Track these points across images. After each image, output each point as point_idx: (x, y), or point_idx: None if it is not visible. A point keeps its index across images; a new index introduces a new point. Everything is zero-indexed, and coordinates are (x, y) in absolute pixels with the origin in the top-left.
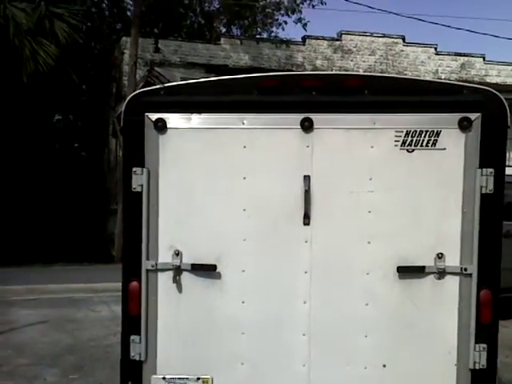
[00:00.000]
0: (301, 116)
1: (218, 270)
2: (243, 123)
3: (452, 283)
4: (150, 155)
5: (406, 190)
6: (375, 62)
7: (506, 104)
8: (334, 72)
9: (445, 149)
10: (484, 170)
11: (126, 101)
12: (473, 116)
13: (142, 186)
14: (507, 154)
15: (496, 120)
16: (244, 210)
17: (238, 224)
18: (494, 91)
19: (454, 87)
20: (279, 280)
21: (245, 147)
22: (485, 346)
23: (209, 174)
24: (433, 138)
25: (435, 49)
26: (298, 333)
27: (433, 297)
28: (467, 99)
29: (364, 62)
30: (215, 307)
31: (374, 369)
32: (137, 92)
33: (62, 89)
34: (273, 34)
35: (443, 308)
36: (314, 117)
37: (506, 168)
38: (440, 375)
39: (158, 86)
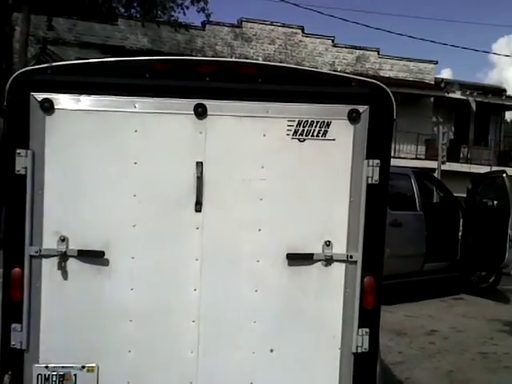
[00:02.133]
0: (194, 102)
1: (106, 257)
2: (135, 107)
3: (338, 270)
4: (36, 137)
5: (297, 179)
6: (275, 50)
7: (393, 97)
8: (228, 59)
9: (334, 139)
10: (371, 161)
11: (11, 79)
12: (361, 108)
13: (26, 168)
14: (397, 147)
15: (383, 113)
16: (134, 195)
17: (128, 210)
18: (382, 84)
19: (344, 79)
20: (169, 267)
21: (136, 131)
22: (367, 330)
23: (98, 158)
24: (323, 129)
25: (332, 41)
26: (187, 319)
27: (320, 283)
28: (356, 91)
29: (264, 50)
30: (103, 294)
31: (262, 354)
32: (22, 70)
33: None
34: (173, 18)
35: (329, 294)
36: (208, 103)
37: (395, 160)
38: (325, 359)
39: (45, 65)
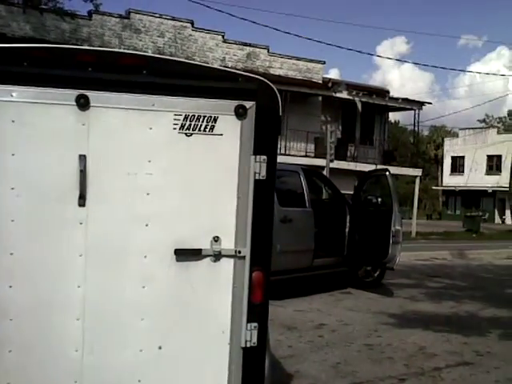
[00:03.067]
0: (76, 92)
1: None
2: (11, 95)
3: (227, 265)
4: None
5: (185, 174)
6: (164, 44)
7: (278, 94)
8: (111, 49)
9: (222, 135)
10: (258, 156)
11: None
12: (248, 104)
13: None
14: (288, 144)
15: (269, 109)
16: (12, 188)
17: (5, 204)
18: (267, 81)
19: (231, 75)
20: (51, 263)
21: (13, 122)
22: (256, 324)
23: None
24: (210, 124)
25: (223, 36)
26: (71, 318)
27: (209, 279)
28: (243, 87)
29: (153, 43)
30: None
31: (150, 351)
32: None
33: None
34: (58, 6)
35: (218, 289)
36: (91, 94)
37: (285, 157)
38: (214, 354)
39: None
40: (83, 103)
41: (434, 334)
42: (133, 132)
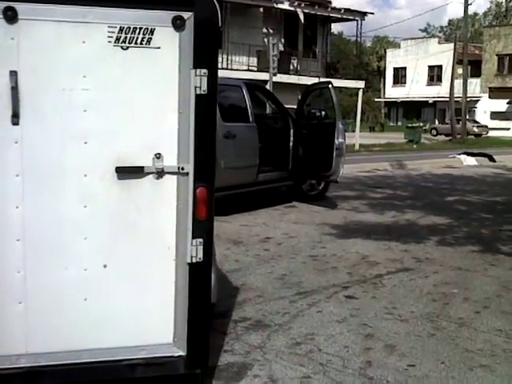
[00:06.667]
0: (2, 4)
1: None
2: None
3: (170, 182)
4: None
5: (123, 89)
6: None
7: (217, 4)
8: None
9: (159, 47)
10: (198, 70)
11: None
12: (185, 15)
13: None
14: (230, 58)
15: (208, 20)
16: None
17: None
18: None
19: None
20: None
21: None
22: (201, 240)
23: None
24: (147, 36)
25: None
26: (11, 239)
27: (152, 196)
28: None
29: None
30: None
31: (95, 269)
32: None
33: None
34: None
35: (162, 207)
36: (18, 6)
37: (227, 72)
38: (160, 271)
39: None
40: (11, 16)
41: (376, 242)
42: (65, 46)
